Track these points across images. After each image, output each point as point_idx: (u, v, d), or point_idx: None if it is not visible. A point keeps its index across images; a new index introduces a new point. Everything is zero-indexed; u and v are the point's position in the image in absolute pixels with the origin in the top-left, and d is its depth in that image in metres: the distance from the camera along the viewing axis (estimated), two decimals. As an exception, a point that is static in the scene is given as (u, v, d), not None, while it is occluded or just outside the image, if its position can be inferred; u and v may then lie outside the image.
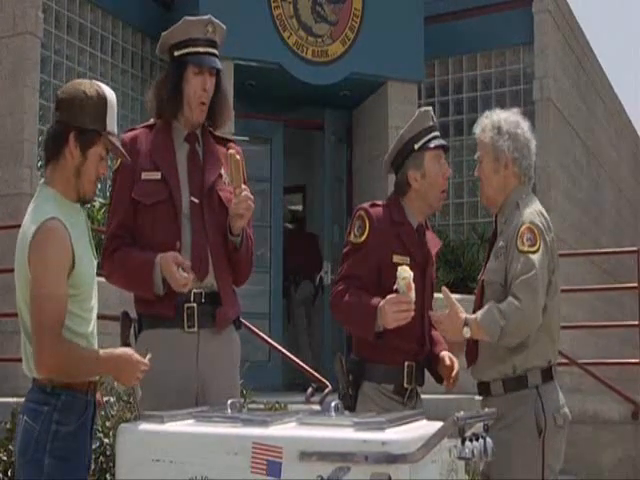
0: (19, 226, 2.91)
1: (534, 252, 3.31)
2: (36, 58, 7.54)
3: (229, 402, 2.81)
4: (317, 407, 4.94)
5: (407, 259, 3.47)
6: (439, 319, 3.38)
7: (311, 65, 9.00)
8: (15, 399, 5.45)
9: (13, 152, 7.33)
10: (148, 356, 2.90)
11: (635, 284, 7.74)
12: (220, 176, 3.44)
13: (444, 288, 3.35)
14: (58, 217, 2.82)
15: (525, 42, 10.06)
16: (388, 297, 3.25)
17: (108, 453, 4.34)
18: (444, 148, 3.67)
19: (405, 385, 3.49)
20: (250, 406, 5.38)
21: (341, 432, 2.45)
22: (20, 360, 2.94)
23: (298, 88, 9.11)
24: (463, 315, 3.33)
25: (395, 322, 3.25)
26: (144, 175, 3.33)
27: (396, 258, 3.46)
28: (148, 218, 3.32)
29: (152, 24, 9.04)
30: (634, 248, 9.03)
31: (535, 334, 3.34)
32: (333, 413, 2.69)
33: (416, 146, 3.60)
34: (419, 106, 9.80)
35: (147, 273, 3.22)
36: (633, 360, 9.16)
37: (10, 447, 4.89)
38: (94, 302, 2.99)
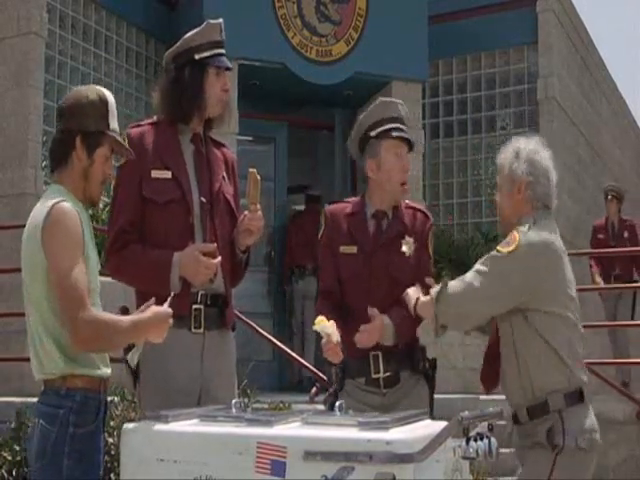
0: (23, 226, 2.90)
1: (502, 251, 3.18)
2: (40, 58, 7.55)
3: (233, 402, 2.81)
4: (321, 407, 4.94)
5: (354, 248, 3.48)
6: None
7: (315, 65, 9.00)
8: (20, 399, 5.45)
9: (17, 152, 7.35)
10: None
11: (640, 284, 7.73)
12: (224, 178, 3.46)
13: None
14: (67, 201, 2.84)
15: (529, 41, 10.06)
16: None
17: (112, 452, 4.34)
18: (406, 141, 3.52)
19: (374, 375, 3.46)
20: (254, 406, 5.38)
21: (345, 432, 2.45)
22: (25, 360, 2.92)
23: (302, 88, 9.12)
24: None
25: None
26: (154, 173, 3.30)
27: (342, 249, 3.50)
28: (159, 216, 3.30)
29: (156, 24, 9.07)
30: (638, 247, 9.01)
31: (538, 357, 3.26)
32: (337, 413, 2.69)
33: (373, 133, 3.52)
34: (423, 106, 9.83)
35: (164, 271, 3.20)
36: (638, 360, 9.15)
37: (15, 447, 4.89)
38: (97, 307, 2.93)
